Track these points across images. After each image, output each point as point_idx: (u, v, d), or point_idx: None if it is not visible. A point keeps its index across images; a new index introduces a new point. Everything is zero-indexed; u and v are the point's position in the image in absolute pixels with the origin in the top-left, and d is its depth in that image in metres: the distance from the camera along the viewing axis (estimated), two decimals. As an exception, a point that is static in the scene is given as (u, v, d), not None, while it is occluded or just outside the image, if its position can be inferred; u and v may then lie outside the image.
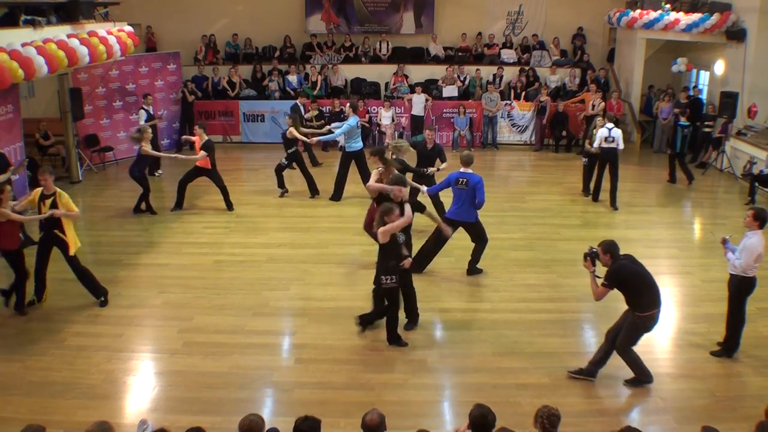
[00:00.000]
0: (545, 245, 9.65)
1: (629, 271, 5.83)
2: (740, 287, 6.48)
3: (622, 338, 6.02)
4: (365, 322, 7.04)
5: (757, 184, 11.84)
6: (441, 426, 5.55)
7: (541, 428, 4.15)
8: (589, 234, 9.99)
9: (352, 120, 11.45)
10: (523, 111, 15.79)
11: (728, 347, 6.65)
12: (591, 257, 5.92)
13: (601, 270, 5.97)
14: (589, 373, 6.15)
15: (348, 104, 12.34)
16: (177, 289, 8.05)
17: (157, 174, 13.30)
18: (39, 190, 7.36)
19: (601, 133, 11.21)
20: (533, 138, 15.93)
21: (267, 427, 4.20)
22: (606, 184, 11.43)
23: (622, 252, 5.93)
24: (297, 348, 6.83)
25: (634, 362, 6.06)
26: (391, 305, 6.69)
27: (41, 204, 7.32)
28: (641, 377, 6.10)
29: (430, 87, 16.05)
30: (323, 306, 7.48)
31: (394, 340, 6.76)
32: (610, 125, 11.21)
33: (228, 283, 8.32)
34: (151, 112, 13.23)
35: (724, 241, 6.62)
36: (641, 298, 5.87)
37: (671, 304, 7.92)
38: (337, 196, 11.53)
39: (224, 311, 7.51)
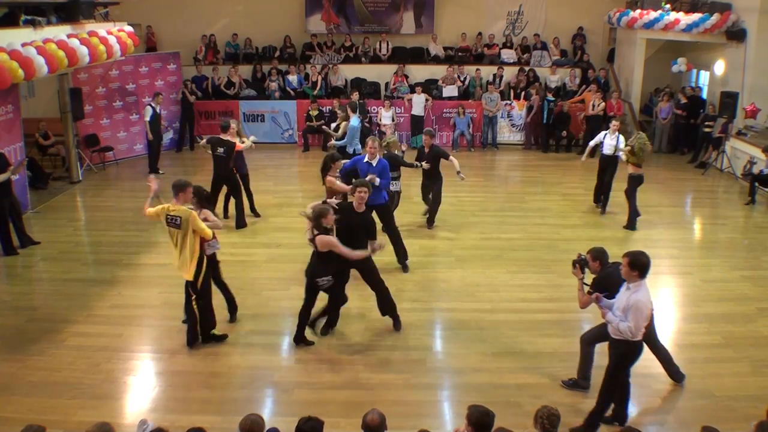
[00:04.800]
0: (545, 245, 9.65)
1: (613, 281, 5.61)
2: (627, 354, 5.26)
3: (594, 332, 6.00)
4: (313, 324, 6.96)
5: (757, 184, 11.85)
6: (441, 426, 5.55)
7: (541, 428, 4.15)
8: (590, 234, 10.00)
9: (354, 121, 11.26)
10: (521, 111, 15.79)
11: (591, 423, 5.46)
12: (580, 264, 5.77)
13: (589, 277, 5.89)
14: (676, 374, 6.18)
15: (347, 104, 12.04)
16: (177, 289, 7.97)
17: (160, 172, 13.33)
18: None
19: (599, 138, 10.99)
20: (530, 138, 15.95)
21: (267, 427, 4.20)
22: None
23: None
24: (297, 348, 6.83)
25: (586, 359, 6.00)
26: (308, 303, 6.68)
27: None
28: (581, 381, 6.03)
29: (430, 87, 16.05)
30: (323, 306, 7.46)
31: (302, 339, 6.77)
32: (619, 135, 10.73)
33: (228, 283, 8.28)
34: (159, 111, 13.19)
35: (598, 299, 5.39)
36: None
37: (671, 304, 7.93)
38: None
39: (224, 311, 7.50)
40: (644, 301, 5.06)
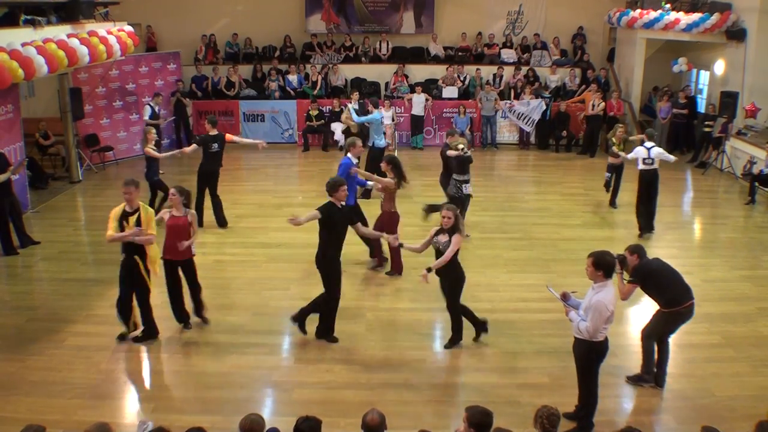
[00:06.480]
0: (545, 245, 9.64)
1: (653, 268, 5.94)
2: (589, 354, 5.25)
3: (650, 326, 6.12)
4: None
5: (757, 184, 11.86)
6: (441, 426, 5.54)
7: (541, 428, 4.15)
8: (590, 234, 10.01)
9: (377, 114, 11.64)
10: (527, 98, 15.61)
11: (583, 426, 5.45)
12: (619, 261, 5.93)
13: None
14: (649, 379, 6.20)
15: (369, 101, 12.68)
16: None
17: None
18: (120, 207, 6.50)
19: (638, 153, 9.85)
20: (532, 137, 15.92)
21: (267, 427, 4.20)
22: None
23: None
24: (297, 348, 6.83)
25: (647, 353, 6.12)
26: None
27: (124, 222, 6.45)
28: (644, 374, 6.13)
29: (430, 87, 16.05)
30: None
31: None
32: (649, 144, 9.80)
33: (228, 282, 8.32)
34: (157, 110, 13.19)
35: (565, 297, 5.47)
36: (664, 295, 5.96)
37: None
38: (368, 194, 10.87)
39: (224, 311, 7.50)
40: (605, 303, 5.04)
